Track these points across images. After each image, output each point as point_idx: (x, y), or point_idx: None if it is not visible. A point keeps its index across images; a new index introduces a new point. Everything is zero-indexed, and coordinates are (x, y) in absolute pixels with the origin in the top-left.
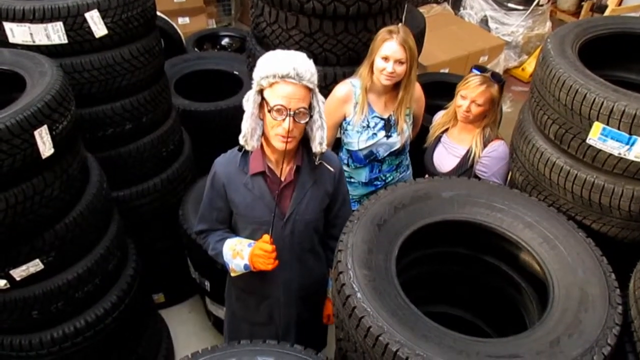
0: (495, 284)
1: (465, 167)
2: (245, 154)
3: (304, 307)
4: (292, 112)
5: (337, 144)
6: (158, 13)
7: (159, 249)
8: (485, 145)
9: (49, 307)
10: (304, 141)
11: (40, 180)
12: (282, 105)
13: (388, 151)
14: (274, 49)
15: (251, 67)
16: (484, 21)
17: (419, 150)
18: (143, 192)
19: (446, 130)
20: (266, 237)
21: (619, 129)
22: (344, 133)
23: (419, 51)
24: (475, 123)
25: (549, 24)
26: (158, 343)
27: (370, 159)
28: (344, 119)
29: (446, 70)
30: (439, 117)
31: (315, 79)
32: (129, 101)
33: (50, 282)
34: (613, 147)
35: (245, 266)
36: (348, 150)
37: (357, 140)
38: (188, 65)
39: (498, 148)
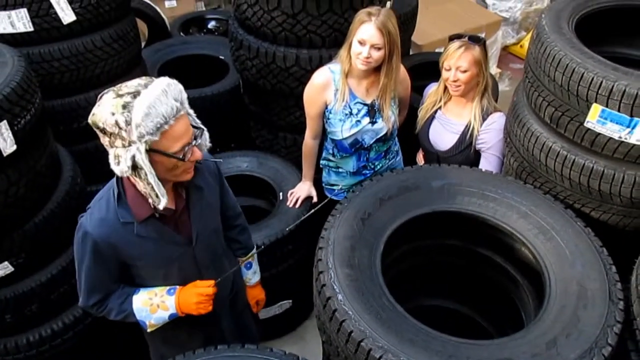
0: (490, 277)
1: (466, 143)
2: (120, 201)
3: (236, 304)
4: (193, 143)
5: (323, 134)
6: None
7: None
8: (484, 119)
9: (23, 310)
10: None
11: (3, 179)
12: (184, 144)
13: (374, 138)
14: (256, 31)
15: (234, 51)
16: None
17: (408, 135)
18: None
19: (440, 107)
20: (211, 282)
21: (619, 110)
22: (326, 122)
23: (412, 30)
24: (469, 95)
25: None
26: (144, 344)
27: (356, 147)
28: (326, 107)
29: (442, 49)
30: (431, 90)
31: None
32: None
33: (22, 284)
34: (613, 130)
35: (171, 315)
36: (333, 140)
37: (341, 129)
38: (172, 50)
39: (498, 120)
